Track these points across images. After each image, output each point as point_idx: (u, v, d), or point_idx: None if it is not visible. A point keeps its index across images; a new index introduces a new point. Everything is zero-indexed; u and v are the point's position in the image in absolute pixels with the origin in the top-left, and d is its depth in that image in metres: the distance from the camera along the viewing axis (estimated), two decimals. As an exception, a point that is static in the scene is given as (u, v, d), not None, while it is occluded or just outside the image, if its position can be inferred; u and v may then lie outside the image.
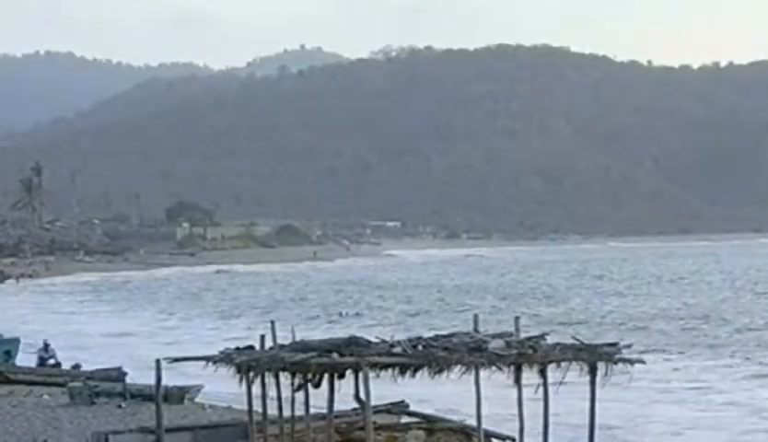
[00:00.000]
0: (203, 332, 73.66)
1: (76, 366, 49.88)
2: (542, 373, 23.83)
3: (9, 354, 51.95)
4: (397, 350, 24.02)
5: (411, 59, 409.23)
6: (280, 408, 24.44)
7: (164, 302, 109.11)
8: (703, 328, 70.34)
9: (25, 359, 51.94)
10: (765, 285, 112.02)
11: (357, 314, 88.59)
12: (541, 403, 23.72)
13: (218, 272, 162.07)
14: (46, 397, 40.91)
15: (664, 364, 50.40)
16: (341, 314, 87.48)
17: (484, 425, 25.31)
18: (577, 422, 24.43)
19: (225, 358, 24.66)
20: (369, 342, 24.13)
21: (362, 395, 23.65)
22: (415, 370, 23.92)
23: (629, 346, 25.25)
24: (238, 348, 24.80)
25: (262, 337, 24.19)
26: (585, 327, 67.23)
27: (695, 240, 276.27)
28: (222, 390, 35.73)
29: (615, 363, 24.35)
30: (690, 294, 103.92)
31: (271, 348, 24.15)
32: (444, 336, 24.95)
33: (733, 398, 42.52)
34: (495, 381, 24.09)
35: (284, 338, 24.00)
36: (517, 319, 25.43)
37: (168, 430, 26.28)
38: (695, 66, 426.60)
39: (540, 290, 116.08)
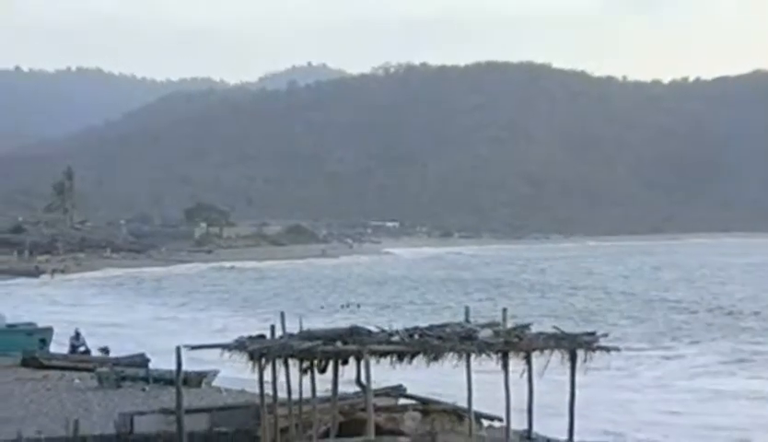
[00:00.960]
0: (218, 322, 73.72)
1: (105, 350, 50.06)
2: (527, 360, 23.89)
3: (44, 342, 52.06)
4: (395, 339, 24.11)
5: (408, 74, 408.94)
6: (289, 391, 24.44)
7: (182, 295, 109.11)
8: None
9: (58, 346, 52.04)
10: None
11: (358, 305, 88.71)
12: (526, 387, 23.80)
13: (232, 268, 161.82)
14: (77, 381, 40.98)
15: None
16: (343, 306, 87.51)
17: (475, 407, 25.46)
18: (558, 404, 24.39)
19: (238, 346, 24.67)
20: (370, 331, 24.20)
21: (363, 380, 23.73)
22: (412, 357, 24.01)
23: (606, 335, 25.33)
24: (250, 337, 24.78)
25: (273, 327, 24.20)
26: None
27: (665, 239, 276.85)
28: (236, 376, 35.73)
29: (593, 350, 24.43)
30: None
31: (280, 337, 24.18)
32: (438, 326, 25.01)
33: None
34: (485, 367, 24.24)
35: (292, 328, 24.05)
36: (504, 310, 25.52)
37: (188, 411, 26.32)
38: (665, 81, 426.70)
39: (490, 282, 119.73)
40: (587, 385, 24.65)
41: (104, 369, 41.10)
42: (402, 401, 27.37)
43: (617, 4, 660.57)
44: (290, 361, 23.95)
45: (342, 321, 50.93)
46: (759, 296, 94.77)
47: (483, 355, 23.90)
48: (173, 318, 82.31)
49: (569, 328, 26.22)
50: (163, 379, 37.15)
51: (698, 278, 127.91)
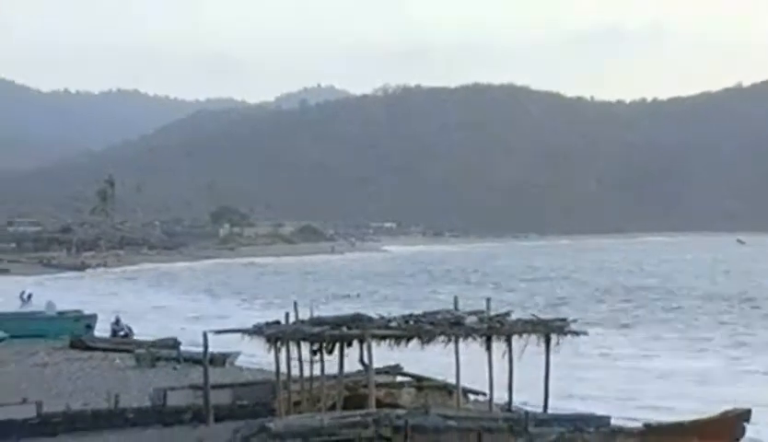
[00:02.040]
0: (239, 310, 73.60)
1: (117, 321, 50.83)
2: (508, 342, 23.90)
3: (89, 327, 52.16)
4: (393, 324, 24.10)
5: (404, 95, 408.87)
6: (301, 370, 24.39)
7: (206, 286, 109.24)
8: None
9: (101, 331, 52.06)
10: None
11: (358, 295, 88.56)
12: (507, 366, 23.81)
13: (251, 263, 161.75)
14: (117, 361, 41.00)
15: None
16: (348, 295, 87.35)
17: (462, 383, 25.42)
18: (534, 381, 24.36)
19: (257, 331, 24.66)
20: (371, 318, 24.22)
21: (365, 360, 23.67)
22: (408, 340, 23.97)
23: (575, 321, 25.29)
24: (267, 323, 24.78)
25: (287, 314, 24.17)
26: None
27: (625, 238, 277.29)
28: (255, 356, 35.67)
29: (565, 334, 24.40)
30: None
31: (293, 323, 24.15)
32: (430, 313, 25.00)
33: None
34: (471, 349, 24.21)
35: (303, 315, 24.04)
36: (487, 300, 25.50)
37: (213, 387, 26.25)
38: (627, 101, 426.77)
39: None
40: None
41: (141, 351, 41.12)
42: (400, 378, 27.33)
43: (586, 35, 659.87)
44: (302, 344, 23.94)
45: (345, 309, 50.75)
46: (696, 285, 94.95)
47: (470, 339, 23.98)
48: (199, 306, 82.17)
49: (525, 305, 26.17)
50: (192, 359, 37.08)
51: (649, 269, 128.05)
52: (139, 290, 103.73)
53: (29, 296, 77.65)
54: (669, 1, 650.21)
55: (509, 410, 24.00)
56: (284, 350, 24.07)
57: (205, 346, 26.24)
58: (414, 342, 23.93)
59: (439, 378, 26.78)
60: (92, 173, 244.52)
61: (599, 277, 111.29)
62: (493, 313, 24.61)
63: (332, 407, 23.88)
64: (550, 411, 23.87)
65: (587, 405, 29.54)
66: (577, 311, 56.84)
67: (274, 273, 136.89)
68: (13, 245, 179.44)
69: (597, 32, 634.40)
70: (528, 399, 25.76)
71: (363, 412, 22.86)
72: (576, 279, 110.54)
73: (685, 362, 43.67)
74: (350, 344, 23.91)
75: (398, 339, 23.87)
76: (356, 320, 23.83)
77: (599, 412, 25.47)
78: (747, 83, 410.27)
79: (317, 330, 23.67)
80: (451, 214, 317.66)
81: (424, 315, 24.63)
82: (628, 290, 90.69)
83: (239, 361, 38.89)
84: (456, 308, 24.72)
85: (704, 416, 24.15)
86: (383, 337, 23.69)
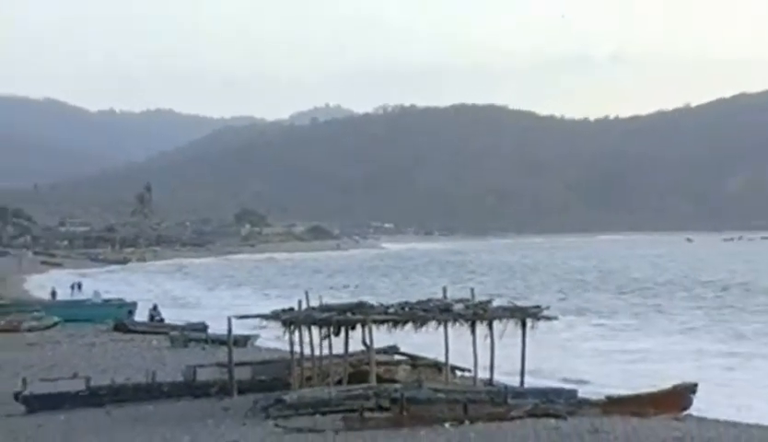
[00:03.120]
0: (258, 298, 73.40)
1: (155, 308, 51.27)
2: (489, 326, 23.90)
3: (131, 313, 52.21)
4: (391, 311, 24.16)
5: (401, 113, 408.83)
6: (312, 350, 24.36)
7: (229, 277, 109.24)
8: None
9: (140, 316, 52.10)
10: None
11: (356, 286, 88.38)
12: (489, 346, 23.82)
13: (269, 258, 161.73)
14: (154, 342, 40.88)
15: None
16: (345, 286, 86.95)
17: (450, 361, 25.39)
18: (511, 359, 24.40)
19: (274, 316, 24.66)
20: (372, 305, 24.28)
21: (367, 341, 23.70)
22: (404, 324, 24.04)
23: (548, 308, 25.30)
24: (282, 309, 24.78)
25: (299, 301, 24.18)
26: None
27: (591, 236, 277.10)
28: (272, 338, 35.68)
29: (539, 319, 24.40)
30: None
31: (305, 309, 24.15)
32: (422, 301, 25.01)
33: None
34: (458, 332, 24.23)
35: (313, 302, 24.07)
36: (472, 289, 25.50)
37: (236, 364, 26.19)
38: (592, 119, 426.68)
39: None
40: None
41: (175, 333, 41.14)
42: (396, 357, 27.29)
43: (557, 62, 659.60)
44: (312, 327, 23.96)
45: (348, 298, 50.81)
46: (649, 278, 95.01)
47: (457, 323, 23.99)
48: (222, 294, 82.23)
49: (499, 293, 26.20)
50: (218, 340, 37.05)
51: (608, 263, 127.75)
52: (172, 281, 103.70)
53: (79, 286, 78.07)
54: (629, 33, 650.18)
55: (491, 384, 24.00)
56: (297, 333, 24.09)
57: (229, 329, 26.33)
58: (409, 326, 24.05)
59: (430, 356, 26.74)
60: (133, 181, 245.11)
61: (563, 270, 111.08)
62: (477, 301, 24.65)
63: (339, 382, 23.89)
64: (525, 385, 23.86)
65: (556, 380, 29.50)
66: (544, 297, 57.15)
67: (288, 267, 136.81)
68: (65, 242, 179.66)
69: (567, 59, 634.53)
70: (506, 374, 25.74)
71: (365, 386, 22.88)
72: (545, 271, 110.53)
73: (631, 343, 43.60)
74: (354, 328, 24.01)
75: (395, 323, 23.98)
76: (359, 307, 23.93)
77: (567, 386, 25.54)
78: (693, 104, 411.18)
79: (325, 315, 23.76)
80: (440, 215, 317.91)
81: (418, 303, 24.70)
82: (586, 282, 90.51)
83: (259, 342, 38.86)
84: (444, 297, 24.77)
85: (658, 389, 24.21)
86: (382, 321, 23.79)
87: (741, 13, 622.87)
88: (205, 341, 39.22)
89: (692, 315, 56.44)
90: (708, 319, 53.71)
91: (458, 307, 24.15)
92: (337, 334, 24.09)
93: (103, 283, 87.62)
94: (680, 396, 23.53)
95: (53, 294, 68.48)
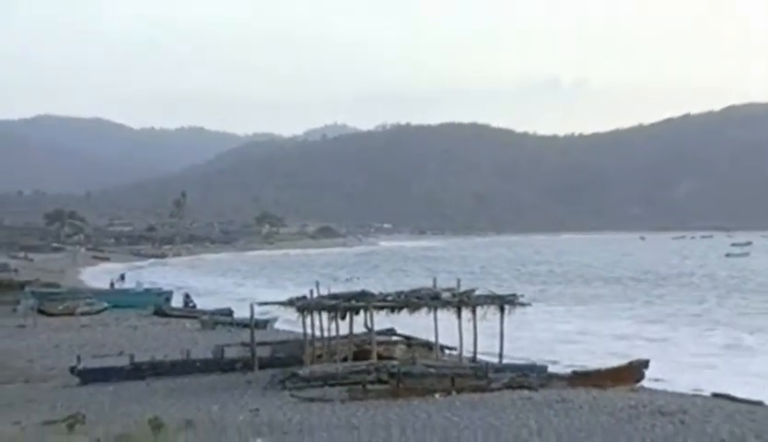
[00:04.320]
0: (275, 288, 73.13)
1: (188, 296, 50.97)
2: (473, 312, 23.86)
3: (168, 300, 51.99)
4: (389, 298, 24.13)
5: (398, 130, 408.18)
6: (321, 331, 24.36)
7: (251, 269, 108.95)
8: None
9: (176, 303, 52.01)
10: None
11: (358, 277, 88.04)
12: (472, 329, 23.79)
13: (285, 254, 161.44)
14: (188, 325, 40.82)
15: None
16: (350, 279, 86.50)
17: (440, 341, 25.38)
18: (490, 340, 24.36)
19: (289, 303, 24.61)
20: (373, 293, 24.22)
21: (369, 324, 23.69)
22: (399, 310, 24.00)
23: (522, 295, 25.28)
24: (296, 297, 24.74)
25: (311, 290, 24.17)
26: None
27: (558, 235, 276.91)
28: (288, 322, 35.61)
29: (515, 305, 24.36)
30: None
31: (316, 297, 24.11)
32: (415, 290, 24.97)
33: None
34: (446, 316, 24.22)
35: (323, 291, 24.06)
36: (458, 280, 25.49)
37: (258, 344, 26.16)
38: (561, 135, 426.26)
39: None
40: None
41: (205, 317, 41.02)
42: (394, 338, 27.27)
43: (531, 86, 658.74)
44: (322, 312, 23.91)
45: (352, 287, 50.66)
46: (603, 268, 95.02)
47: (445, 309, 23.96)
48: (245, 282, 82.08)
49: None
50: (242, 323, 37.00)
51: (570, 257, 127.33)
52: (201, 274, 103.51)
53: (123, 277, 77.87)
54: (593, 62, 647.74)
55: (474, 361, 23.99)
56: (309, 317, 24.05)
57: (252, 314, 26.47)
58: (405, 311, 24.02)
59: (423, 337, 26.74)
60: (169, 188, 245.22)
61: (533, 263, 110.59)
62: (462, 290, 24.61)
63: (345, 359, 23.84)
64: (504, 361, 23.87)
65: (529, 358, 29.47)
66: (515, 286, 57.05)
67: (303, 263, 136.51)
68: (113, 240, 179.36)
69: (538, 85, 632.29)
70: (487, 352, 25.73)
71: (367, 362, 22.87)
72: (517, 263, 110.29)
73: (591, 324, 43.62)
74: (357, 313, 23.90)
75: (392, 309, 23.93)
76: (362, 295, 23.87)
77: (539, 362, 25.52)
78: (645, 123, 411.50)
79: (333, 302, 23.69)
80: (432, 217, 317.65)
81: (411, 291, 24.64)
82: (554, 273, 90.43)
83: (276, 325, 38.86)
84: (434, 286, 24.77)
85: (616, 365, 24.24)
86: (381, 307, 23.74)
87: (685, 46, 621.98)
88: (231, 324, 39.12)
89: (637, 302, 56.57)
90: (643, 304, 53.92)
91: (445, 295, 24.10)
92: (343, 318, 24.01)
93: (144, 274, 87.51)
94: (634, 371, 23.58)
95: (112, 284, 68.32)
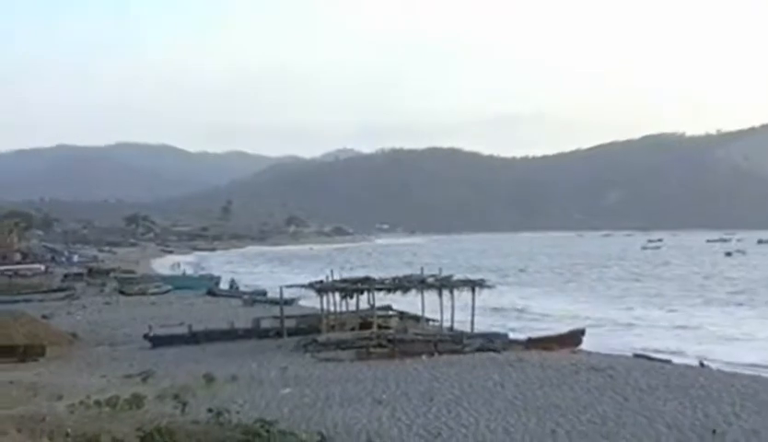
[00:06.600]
0: (299, 273, 72.33)
1: (233, 283, 50.55)
2: (451, 292, 23.90)
3: (217, 284, 51.83)
4: (387, 281, 24.16)
5: (394, 153, 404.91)
6: (335, 307, 24.38)
7: (281, 260, 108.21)
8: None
9: (223, 285, 51.69)
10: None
11: (351, 268, 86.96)
12: (450, 306, 23.81)
13: (309, 248, 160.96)
14: (233, 303, 40.08)
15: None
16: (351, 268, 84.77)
17: (426, 315, 25.38)
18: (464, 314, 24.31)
19: (310, 285, 24.71)
20: (374, 278, 24.33)
21: (371, 302, 23.70)
22: (395, 291, 24.04)
23: (490, 280, 25.30)
24: (316, 281, 24.82)
25: (327, 276, 24.23)
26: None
27: (515, 233, 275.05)
28: (309, 299, 35.45)
29: (483, 288, 24.37)
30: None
31: (331, 281, 24.14)
32: (407, 276, 25.08)
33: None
34: (431, 296, 24.20)
35: (336, 276, 23.99)
36: (440, 269, 25.52)
37: (286, 317, 26.18)
38: (519, 157, 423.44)
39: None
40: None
41: (246, 297, 40.95)
42: (390, 312, 27.31)
43: (497, 117, 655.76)
44: (336, 293, 23.95)
45: (357, 273, 50.39)
46: (546, 259, 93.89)
47: (430, 291, 23.98)
48: (275, 269, 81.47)
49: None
50: (274, 301, 36.90)
51: (523, 250, 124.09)
52: (242, 263, 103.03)
53: (180, 265, 77.51)
54: (549, 98, 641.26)
55: (452, 330, 24.04)
56: (325, 296, 24.07)
57: (281, 293, 26.50)
58: (398, 292, 24.05)
59: (412, 312, 26.76)
60: (218, 198, 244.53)
61: (493, 256, 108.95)
62: (443, 276, 24.63)
63: (353, 329, 23.90)
64: (475, 330, 23.89)
65: (495, 328, 29.47)
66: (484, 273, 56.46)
67: (320, 255, 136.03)
68: (174, 238, 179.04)
69: (503, 116, 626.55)
70: (461, 323, 25.71)
71: (369, 331, 22.92)
72: (486, 254, 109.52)
73: (538, 302, 43.34)
74: (362, 293, 24.01)
75: (389, 290, 24.02)
76: (366, 280, 23.98)
77: (502, 331, 25.51)
78: (583, 147, 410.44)
79: (343, 285, 23.81)
80: (421, 219, 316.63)
81: (404, 277, 24.74)
82: (512, 261, 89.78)
83: (301, 302, 38.79)
84: (421, 272, 24.78)
85: (561, 332, 24.23)
86: (381, 289, 23.84)
87: (612, 88, 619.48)
88: (266, 301, 39.06)
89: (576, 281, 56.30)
90: (585, 287, 53.34)
91: (430, 279, 24.18)
92: (351, 297, 24.09)
93: (199, 263, 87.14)
94: (575, 336, 23.62)
95: (184, 272, 67.72)
